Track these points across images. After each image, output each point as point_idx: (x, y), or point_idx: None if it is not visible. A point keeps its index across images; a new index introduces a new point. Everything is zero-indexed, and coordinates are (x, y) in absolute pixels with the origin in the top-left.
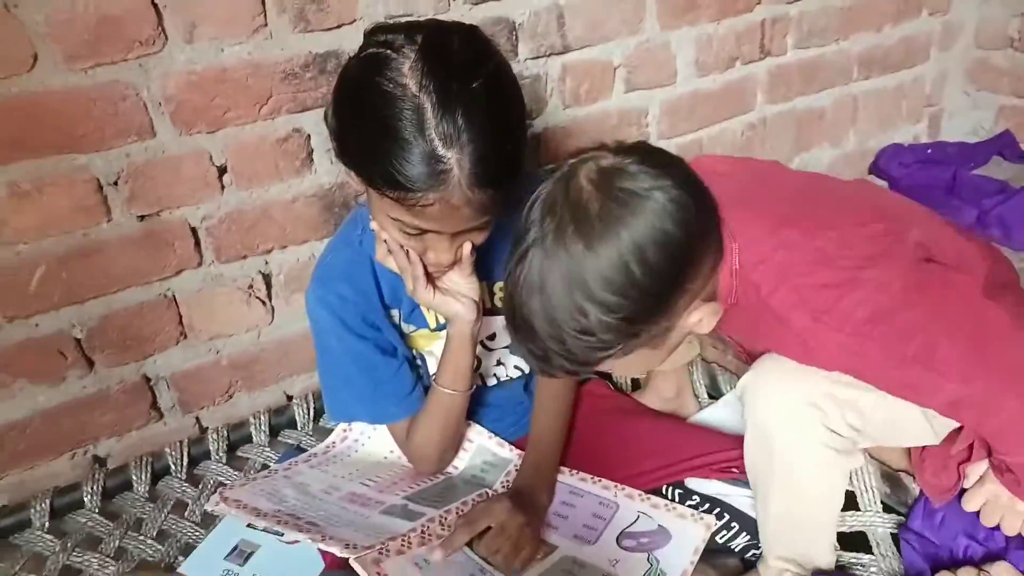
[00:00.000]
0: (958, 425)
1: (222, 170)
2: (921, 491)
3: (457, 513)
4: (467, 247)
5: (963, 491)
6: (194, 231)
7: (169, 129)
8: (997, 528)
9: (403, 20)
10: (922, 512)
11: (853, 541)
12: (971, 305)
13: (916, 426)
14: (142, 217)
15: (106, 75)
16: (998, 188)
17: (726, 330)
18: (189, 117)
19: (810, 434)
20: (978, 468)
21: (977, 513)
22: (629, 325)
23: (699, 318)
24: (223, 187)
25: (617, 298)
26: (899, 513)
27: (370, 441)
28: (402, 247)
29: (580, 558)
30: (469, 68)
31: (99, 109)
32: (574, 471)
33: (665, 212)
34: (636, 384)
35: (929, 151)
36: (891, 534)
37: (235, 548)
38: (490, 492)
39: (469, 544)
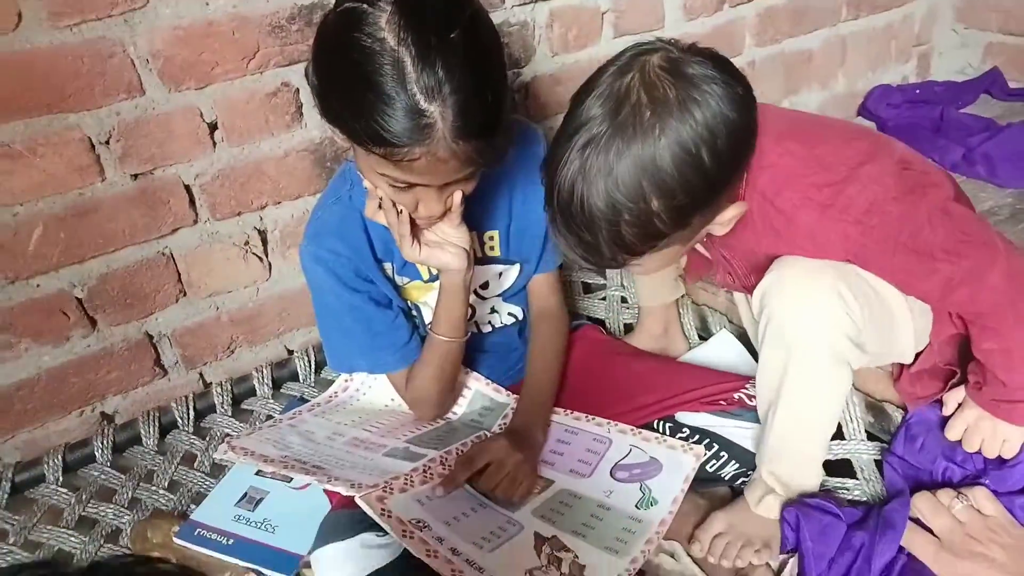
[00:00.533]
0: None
1: (213, 126)
2: (903, 418)
3: (457, 454)
4: (457, 197)
5: (944, 420)
6: (188, 189)
7: (158, 86)
8: (976, 452)
9: None
10: (903, 437)
11: (838, 467)
12: (945, 202)
13: (903, 332)
14: (136, 176)
15: (92, 32)
16: (984, 126)
17: (725, 247)
18: (177, 73)
19: (834, 322)
20: (956, 396)
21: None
22: (683, 215)
23: (729, 215)
24: (215, 144)
25: (682, 184)
26: (882, 441)
27: (371, 390)
28: (393, 204)
29: (575, 491)
30: (446, 18)
31: (87, 67)
32: (568, 411)
33: (731, 101)
34: (628, 329)
35: (917, 91)
36: (874, 460)
37: (245, 495)
38: (488, 434)
39: (469, 481)
